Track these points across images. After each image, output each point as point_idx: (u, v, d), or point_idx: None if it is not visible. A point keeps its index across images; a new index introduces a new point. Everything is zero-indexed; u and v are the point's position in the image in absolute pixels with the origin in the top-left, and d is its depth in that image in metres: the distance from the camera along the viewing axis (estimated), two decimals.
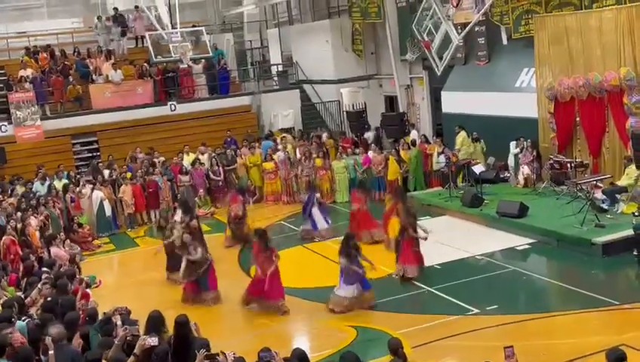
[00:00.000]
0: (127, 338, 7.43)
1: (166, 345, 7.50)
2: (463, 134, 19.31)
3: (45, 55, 25.06)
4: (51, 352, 7.45)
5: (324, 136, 22.94)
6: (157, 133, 23.52)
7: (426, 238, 12.85)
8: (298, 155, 21.06)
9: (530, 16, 18.15)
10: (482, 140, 19.00)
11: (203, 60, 24.52)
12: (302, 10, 28.69)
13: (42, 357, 7.74)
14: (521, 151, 18.02)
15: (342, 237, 13.88)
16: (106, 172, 20.37)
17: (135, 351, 7.14)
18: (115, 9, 26.65)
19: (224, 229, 17.08)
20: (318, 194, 17.01)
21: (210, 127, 24.07)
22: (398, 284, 12.78)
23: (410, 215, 13.02)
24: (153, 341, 7.15)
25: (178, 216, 14.93)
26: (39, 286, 10.30)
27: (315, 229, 16.45)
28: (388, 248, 14.24)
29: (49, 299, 9.64)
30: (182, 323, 7.94)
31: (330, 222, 16.59)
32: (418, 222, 13.04)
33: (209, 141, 22.95)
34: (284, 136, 23.07)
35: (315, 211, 16.49)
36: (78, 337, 8.31)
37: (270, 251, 12.01)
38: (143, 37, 25.52)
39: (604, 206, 14.72)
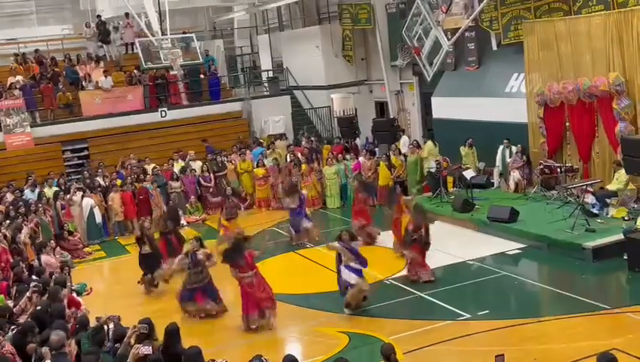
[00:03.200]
0: (141, 331, 7.63)
1: (159, 355, 7.49)
2: (429, 144, 19.53)
3: (32, 62, 24.99)
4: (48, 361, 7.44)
5: (304, 141, 22.91)
6: (148, 140, 23.47)
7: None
8: (289, 161, 21.06)
9: (519, 22, 18.24)
10: (474, 146, 19.04)
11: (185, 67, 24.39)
12: (292, 16, 28.74)
13: None
14: (510, 156, 18.10)
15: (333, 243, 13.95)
16: (99, 179, 20.32)
17: (129, 359, 7.15)
18: (98, 16, 26.55)
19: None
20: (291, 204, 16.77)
21: (200, 134, 23.99)
22: (390, 290, 12.78)
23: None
24: (147, 349, 7.18)
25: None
26: (28, 294, 10.24)
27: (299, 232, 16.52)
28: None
29: (39, 307, 9.58)
30: (172, 332, 7.91)
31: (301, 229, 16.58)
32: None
33: (200, 148, 22.95)
34: (272, 142, 23.02)
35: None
36: (70, 344, 8.28)
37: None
38: (132, 44, 25.49)
39: (595, 210, 14.77)
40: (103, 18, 26.44)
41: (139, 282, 14.21)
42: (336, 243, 11.88)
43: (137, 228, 15.47)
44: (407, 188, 19.18)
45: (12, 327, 8.81)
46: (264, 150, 22.28)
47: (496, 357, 6.85)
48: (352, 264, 11.70)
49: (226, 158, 21.75)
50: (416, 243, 12.96)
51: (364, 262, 11.80)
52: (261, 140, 24.06)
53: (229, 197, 17.47)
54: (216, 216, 19.94)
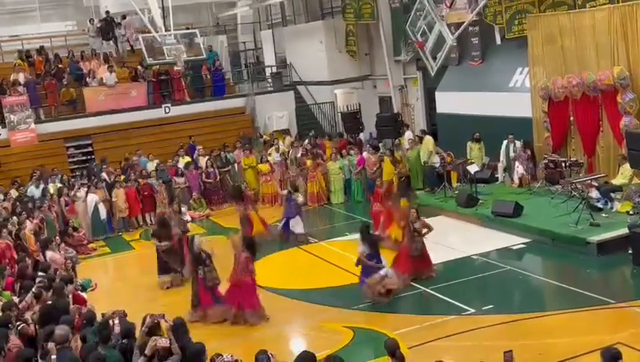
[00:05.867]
0: (155, 321, 7.74)
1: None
2: (429, 138, 19.51)
3: (41, 58, 25.05)
4: (53, 357, 7.46)
5: (311, 138, 22.88)
6: (151, 136, 23.51)
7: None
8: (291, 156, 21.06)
9: (523, 16, 18.19)
10: (482, 141, 19.00)
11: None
12: (295, 11, 28.70)
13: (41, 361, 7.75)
14: (514, 150, 18.07)
15: (337, 239, 13.96)
16: (104, 174, 20.37)
17: (146, 351, 7.21)
18: (107, 12, 26.58)
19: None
20: (299, 197, 16.64)
21: (204, 129, 24.06)
22: None
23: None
24: (164, 342, 7.26)
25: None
26: (34, 290, 10.26)
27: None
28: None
29: (48, 302, 9.60)
30: (178, 326, 7.91)
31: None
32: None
33: (204, 143, 22.98)
34: (283, 137, 23.01)
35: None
36: (77, 339, 8.30)
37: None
38: (135, 41, 25.52)
39: (599, 205, 14.75)
40: (110, 15, 26.47)
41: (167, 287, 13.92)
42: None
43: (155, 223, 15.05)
44: (411, 183, 19.22)
45: (18, 323, 8.84)
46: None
47: (504, 353, 6.81)
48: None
49: (228, 155, 21.79)
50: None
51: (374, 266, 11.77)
52: (261, 135, 24.08)
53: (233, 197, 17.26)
54: (220, 211, 20.05)
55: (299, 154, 20.78)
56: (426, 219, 13.31)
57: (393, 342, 7.50)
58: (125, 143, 22.98)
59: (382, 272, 11.70)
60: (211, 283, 11.89)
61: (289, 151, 21.67)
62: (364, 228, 12.19)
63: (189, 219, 18.60)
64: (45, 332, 8.14)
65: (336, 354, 8.51)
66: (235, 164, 21.58)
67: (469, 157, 18.77)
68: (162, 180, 19.96)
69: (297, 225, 16.34)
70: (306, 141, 22.65)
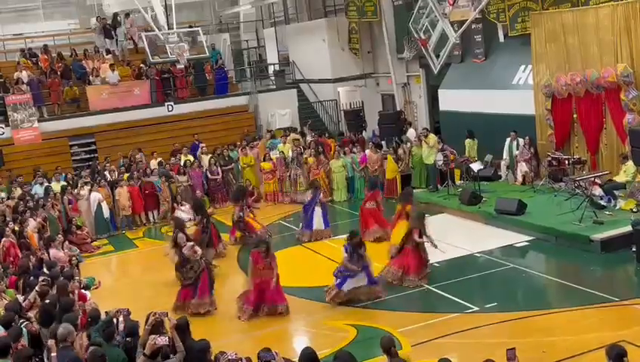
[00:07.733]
0: (159, 319, 7.77)
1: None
2: (430, 136, 19.37)
3: (46, 57, 25.09)
4: (53, 354, 7.46)
5: (309, 136, 22.82)
6: (155, 134, 23.55)
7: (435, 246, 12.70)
8: (291, 154, 21.04)
9: (526, 14, 18.17)
10: (475, 138, 18.98)
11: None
12: (298, 9, 28.71)
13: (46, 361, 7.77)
14: (517, 148, 18.06)
15: (340, 236, 13.92)
16: (106, 173, 20.40)
17: (145, 351, 7.18)
18: (115, 14, 26.61)
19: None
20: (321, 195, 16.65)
21: (207, 127, 24.09)
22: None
23: (418, 219, 12.81)
24: (163, 340, 7.23)
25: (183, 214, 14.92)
26: (37, 288, 10.27)
27: (309, 229, 16.30)
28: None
29: (48, 300, 9.61)
30: (182, 326, 7.92)
31: (329, 223, 16.36)
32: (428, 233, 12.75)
33: (207, 141, 23.04)
34: (286, 135, 23.03)
35: (317, 211, 16.37)
36: (82, 337, 8.30)
37: (270, 258, 11.84)
38: (138, 40, 25.53)
39: (603, 202, 14.73)
40: (118, 16, 26.53)
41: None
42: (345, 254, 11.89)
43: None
44: (413, 178, 19.22)
45: (21, 321, 8.86)
46: (279, 142, 22.24)
47: (507, 350, 6.82)
48: (345, 267, 11.74)
49: (231, 153, 21.80)
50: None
51: (352, 270, 11.72)
52: (270, 131, 24.08)
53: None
54: (224, 209, 20.04)
55: (295, 154, 20.73)
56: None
57: (388, 339, 7.45)
58: (128, 141, 23.04)
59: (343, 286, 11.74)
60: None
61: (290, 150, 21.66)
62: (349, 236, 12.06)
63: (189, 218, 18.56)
64: (52, 331, 8.14)
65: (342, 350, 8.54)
66: (239, 162, 21.63)
67: (468, 155, 18.76)
68: (164, 178, 19.96)
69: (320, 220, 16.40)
70: (309, 138, 22.62)
